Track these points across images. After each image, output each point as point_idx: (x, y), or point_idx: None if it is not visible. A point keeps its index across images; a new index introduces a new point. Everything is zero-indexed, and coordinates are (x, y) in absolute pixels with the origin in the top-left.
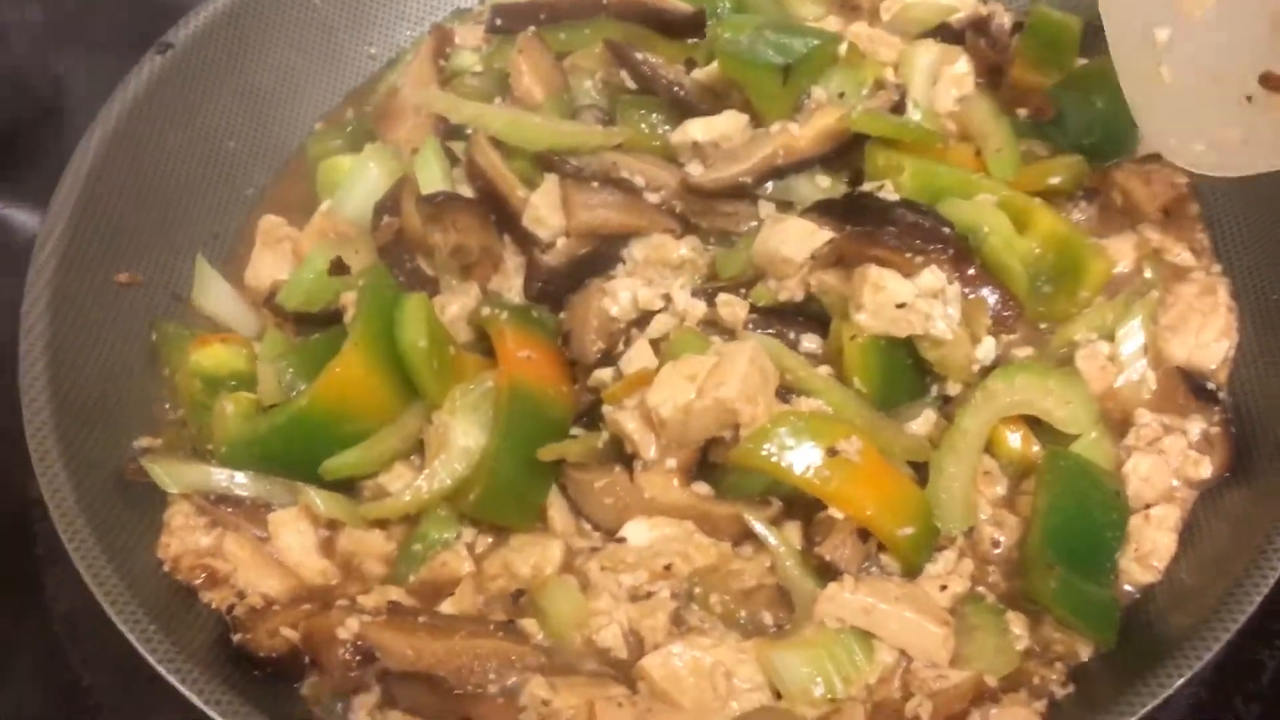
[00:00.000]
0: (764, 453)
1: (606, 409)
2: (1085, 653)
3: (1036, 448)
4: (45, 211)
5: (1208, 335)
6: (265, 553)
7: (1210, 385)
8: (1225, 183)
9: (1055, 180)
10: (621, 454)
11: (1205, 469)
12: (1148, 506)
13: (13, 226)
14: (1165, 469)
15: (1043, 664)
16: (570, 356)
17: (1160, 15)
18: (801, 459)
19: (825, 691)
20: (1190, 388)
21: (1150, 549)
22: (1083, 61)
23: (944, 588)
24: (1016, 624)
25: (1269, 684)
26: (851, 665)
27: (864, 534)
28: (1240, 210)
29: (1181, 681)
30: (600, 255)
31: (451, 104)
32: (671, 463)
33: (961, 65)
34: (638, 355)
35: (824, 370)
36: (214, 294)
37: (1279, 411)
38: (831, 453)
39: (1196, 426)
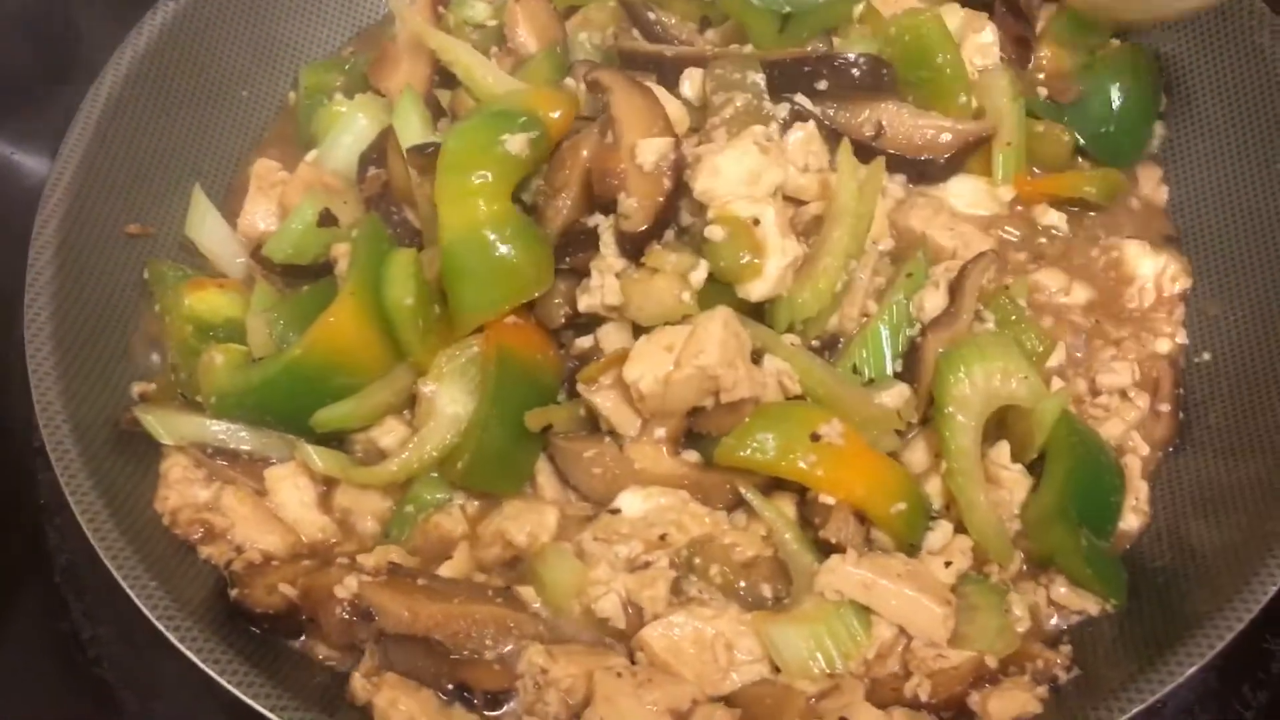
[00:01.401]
0: (747, 452)
1: (581, 388)
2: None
3: None
4: (55, 158)
5: None
6: (264, 508)
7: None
8: None
9: (1089, 190)
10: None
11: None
12: None
13: (23, 171)
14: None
15: (1048, 647)
16: (537, 320)
17: None
18: (785, 450)
19: (824, 666)
20: None
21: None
22: (1115, 43)
23: (948, 564)
24: (1019, 606)
25: (1279, 672)
26: (850, 640)
27: (859, 514)
28: None
29: (1193, 670)
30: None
31: (442, 41)
32: (660, 432)
33: (987, 35)
34: (615, 332)
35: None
36: (208, 228)
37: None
38: (814, 438)
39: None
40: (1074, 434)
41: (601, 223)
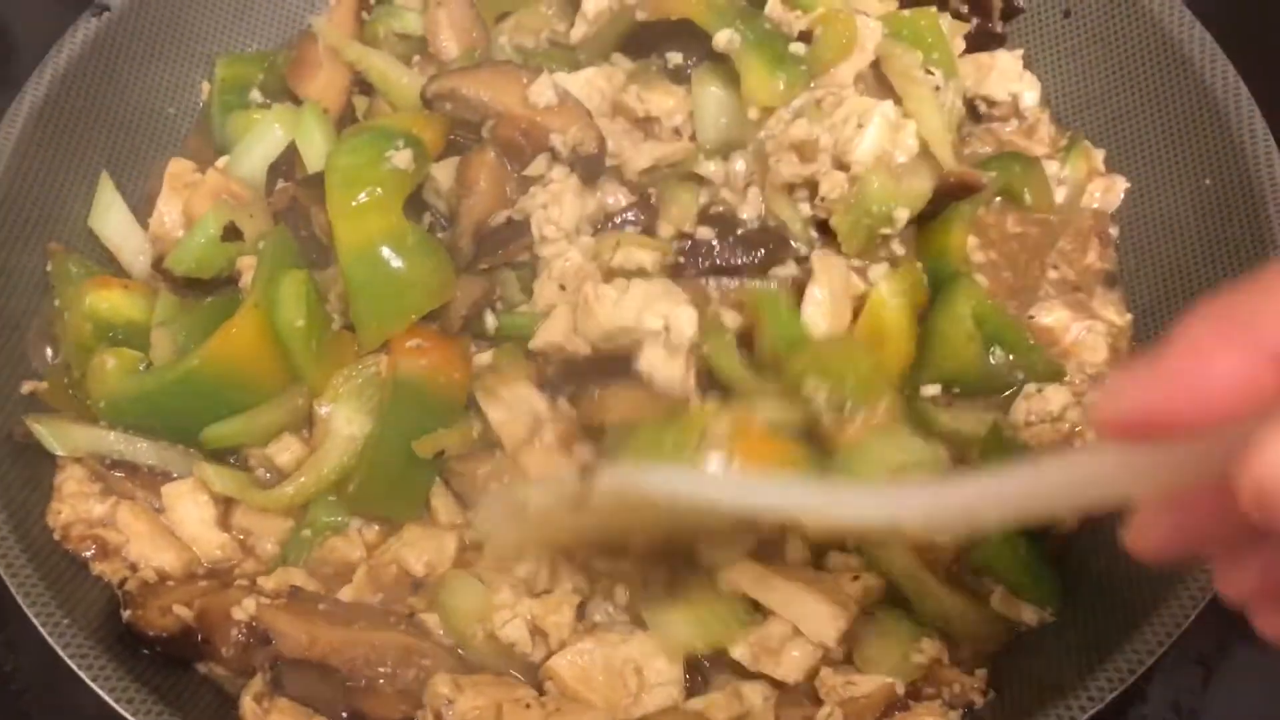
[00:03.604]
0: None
1: (480, 396)
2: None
3: None
4: None
5: None
6: (160, 525)
7: None
8: None
9: None
10: None
11: None
12: None
13: None
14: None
15: (964, 671)
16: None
17: None
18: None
19: (703, 642)
20: None
21: None
22: None
23: (856, 578)
24: (930, 648)
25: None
26: (734, 620)
27: None
28: None
29: (1114, 695)
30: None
31: (359, 53)
32: (549, 437)
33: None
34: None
35: None
36: (113, 220)
37: None
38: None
39: None
40: (1003, 445)
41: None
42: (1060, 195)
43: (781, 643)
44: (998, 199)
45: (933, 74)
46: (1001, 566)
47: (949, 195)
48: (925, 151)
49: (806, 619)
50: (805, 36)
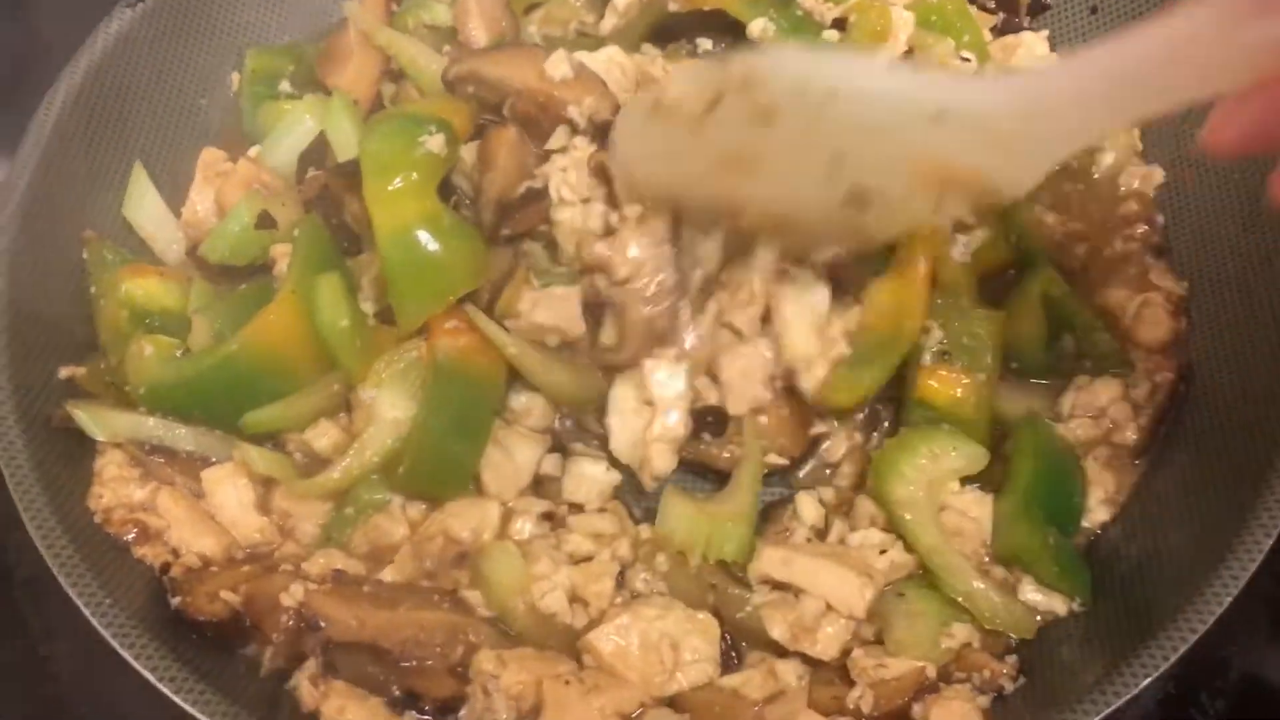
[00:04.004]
0: None
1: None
2: (1061, 609)
3: None
4: (3, 163)
5: None
6: (200, 509)
7: None
8: None
9: None
10: None
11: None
12: None
13: None
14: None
15: (993, 656)
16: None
17: None
18: None
19: (693, 553)
20: None
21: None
22: None
23: (883, 552)
24: (960, 630)
25: (1235, 680)
26: (731, 546)
27: None
28: None
29: (1149, 680)
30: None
31: (390, 37)
32: None
33: None
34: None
35: None
36: (147, 209)
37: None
38: None
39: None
40: (1039, 435)
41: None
42: (1104, 163)
43: (816, 620)
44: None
45: (968, 60)
46: (1029, 556)
47: None
48: None
49: (835, 591)
50: (839, 24)
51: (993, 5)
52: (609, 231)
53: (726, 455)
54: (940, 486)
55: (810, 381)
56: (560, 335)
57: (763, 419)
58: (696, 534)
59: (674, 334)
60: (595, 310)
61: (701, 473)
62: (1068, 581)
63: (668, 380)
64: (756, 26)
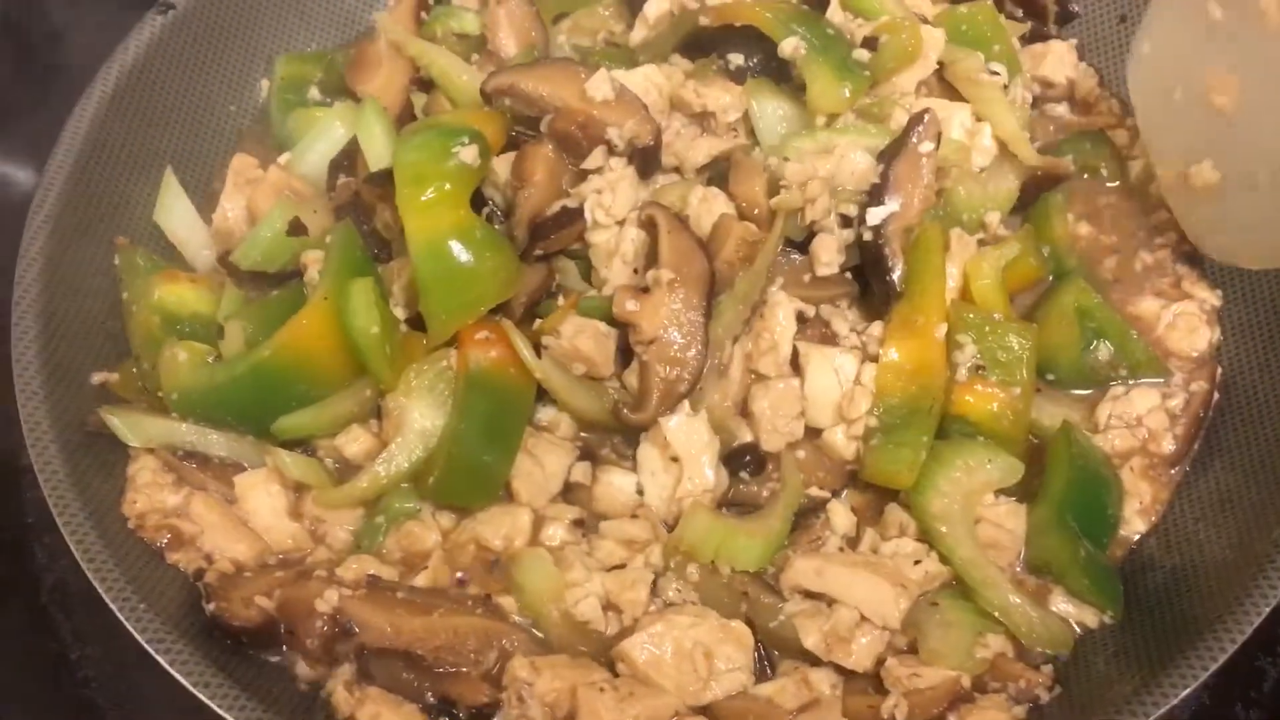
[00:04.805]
0: None
1: (546, 341)
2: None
3: None
4: (35, 168)
5: None
6: (233, 515)
7: None
8: None
9: None
10: None
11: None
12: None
13: (11, 182)
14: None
15: (1029, 666)
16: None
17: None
18: None
19: (697, 551)
20: None
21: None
22: None
23: (917, 563)
24: (995, 641)
25: (1270, 691)
26: (741, 553)
27: None
28: None
29: (1186, 692)
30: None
31: (420, 48)
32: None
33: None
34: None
35: None
36: (178, 215)
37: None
38: None
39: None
40: (1073, 445)
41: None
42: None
43: (850, 630)
44: (1084, 176)
45: (998, 73)
46: (1060, 567)
47: (1037, 188)
48: (1004, 150)
49: (868, 601)
50: (869, 43)
51: (1021, 14)
52: (643, 289)
53: (767, 493)
54: (975, 499)
55: (835, 441)
56: (590, 368)
57: (800, 454)
58: (709, 540)
59: (696, 398)
60: (626, 353)
61: (747, 511)
62: (1098, 595)
63: (688, 434)
64: (789, 46)
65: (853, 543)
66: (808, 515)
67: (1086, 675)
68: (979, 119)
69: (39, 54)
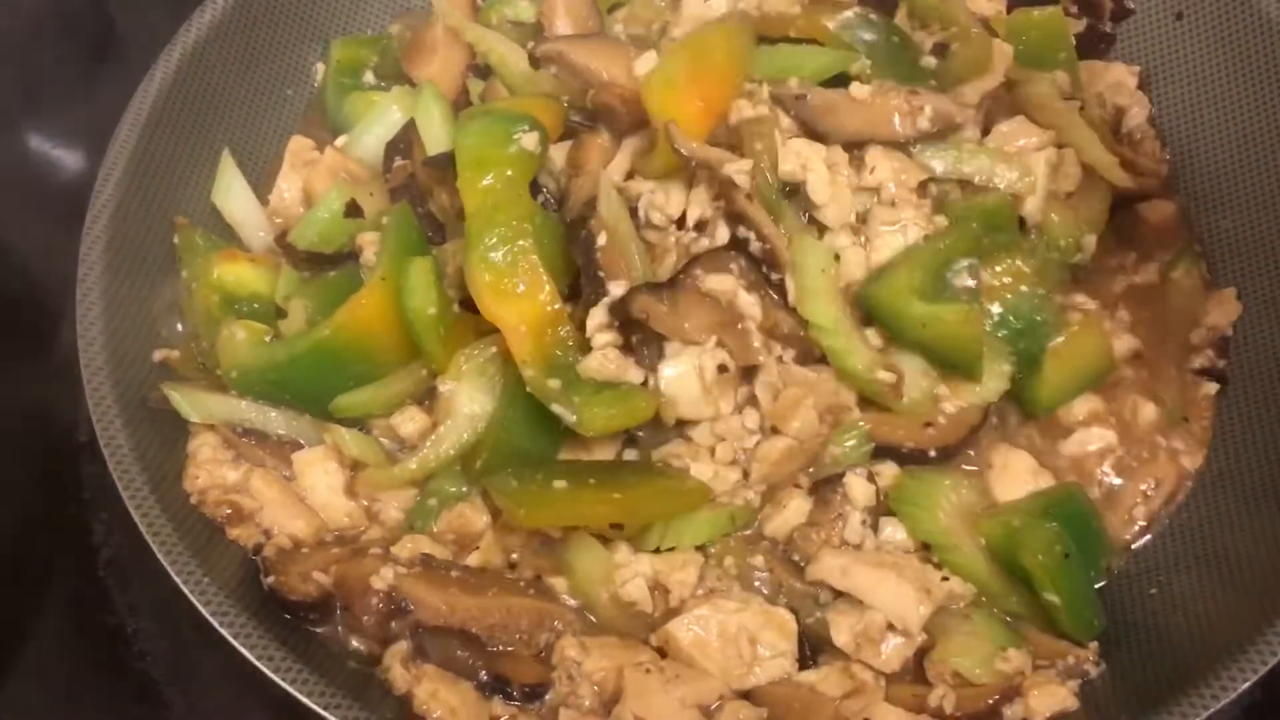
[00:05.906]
0: None
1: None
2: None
3: None
4: (84, 152)
5: None
6: (291, 492)
7: None
8: None
9: None
10: None
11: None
12: None
13: (62, 166)
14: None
15: (1074, 643)
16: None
17: None
18: None
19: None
20: None
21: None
22: None
23: (945, 579)
24: (1017, 656)
25: None
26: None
27: None
28: None
29: (1244, 687)
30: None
31: (478, 34)
32: None
33: None
34: None
35: None
36: (235, 195)
37: None
38: None
39: None
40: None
41: None
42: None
43: (881, 632)
44: None
45: (1073, 99)
46: (1049, 576)
47: (1122, 203)
48: (1088, 171)
49: (891, 604)
50: (939, 50)
51: (1075, 10)
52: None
53: None
54: (975, 513)
55: None
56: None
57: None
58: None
59: None
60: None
61: None
62: (1071, 614)
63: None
64: (855, 68)
65: (874, 522)
66: (825, 489)
67: (1135, 648)
68: (1060, 145)
69: (88, 38)
